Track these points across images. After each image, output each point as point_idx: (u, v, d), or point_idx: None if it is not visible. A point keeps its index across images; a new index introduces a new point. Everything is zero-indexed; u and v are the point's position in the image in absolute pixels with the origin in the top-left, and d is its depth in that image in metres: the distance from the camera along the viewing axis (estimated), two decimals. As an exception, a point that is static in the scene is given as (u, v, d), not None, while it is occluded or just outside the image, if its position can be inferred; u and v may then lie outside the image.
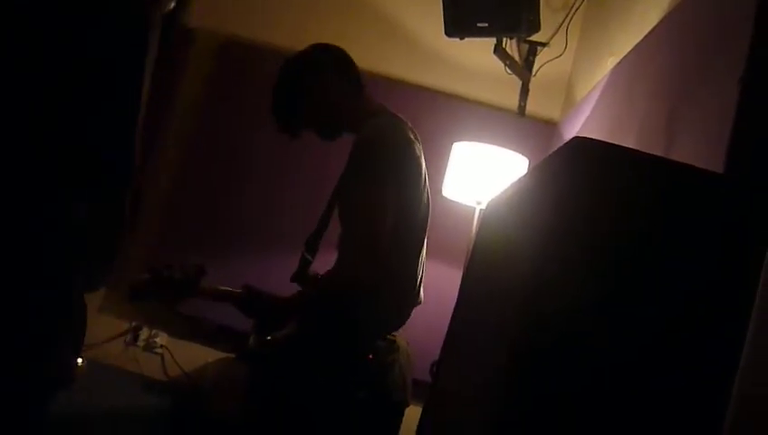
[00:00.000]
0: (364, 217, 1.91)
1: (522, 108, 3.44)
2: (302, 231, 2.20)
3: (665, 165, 1.17)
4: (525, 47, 3.45)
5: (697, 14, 1.83)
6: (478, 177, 2.82)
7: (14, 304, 1.35)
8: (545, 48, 3.42)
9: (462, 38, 2.96)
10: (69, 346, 1.54)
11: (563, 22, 3.38)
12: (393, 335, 2.02)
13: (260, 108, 2.20)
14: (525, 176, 1.50)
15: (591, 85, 2.86)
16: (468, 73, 3.52)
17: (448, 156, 2.95)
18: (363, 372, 1.93)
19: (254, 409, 2.10)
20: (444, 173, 2.93)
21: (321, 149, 2.28)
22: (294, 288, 2.08)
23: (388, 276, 1.93)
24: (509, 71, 3.29)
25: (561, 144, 1.21)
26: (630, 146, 1.87)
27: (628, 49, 2.37)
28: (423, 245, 2.10)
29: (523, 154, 2.89)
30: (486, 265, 1.49)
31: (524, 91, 3.43)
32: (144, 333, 3.41)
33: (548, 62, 3.41)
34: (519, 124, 3.40)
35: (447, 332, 1.61)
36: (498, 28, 2.90)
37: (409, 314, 2.09)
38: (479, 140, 2.91)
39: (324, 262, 2.03)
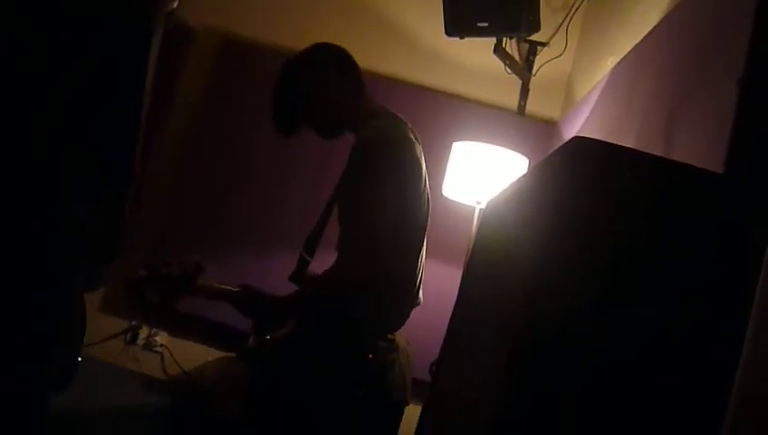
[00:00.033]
0: (364, 217, 1.91)
1: (522, 108, 3.44)
2: (301, 231, 2.20)
3: (664, 165, 1.18)
4: (525, 47, 3.45)
5: (697, 15, 1.83)
6: (478, 176, 2.82)
7: (14, 304, 1.35)
8: (545, 48, 3.42)
9: (462, 38, 2.96)
10: (69, 346, 1.54)
11: (563, 22, 3.39)
12: (393, 335, 2.02)
13: (260, 108, 2.20)
14: (525, 176, 1.50)
15: (591, 85, 2.86)
16: (468, 73, 3.53)
17: (448, 156, 2.95)
18: (363, 371, 1.93)
19: (253, 408, 2.10)
20: (444, 173, 2.93)
21: (322, 149, 2.28)
22: (293, 288, 2.08)
23: (387, 277, 1.93)
24: (509, 70, 3.29)
25: (560, 144, 1.21)
26: (630, 146, 1.87)
27: (628, 49, 2.37)
28: (423, 245, 2.10)
29: (522, 154, 2.89)
30: (486, 265, 1.49)
31: (524, 91, 3.43)
32: (144, 332, 3.41)
33: (548, 61, 3.41)
34: (519, 124, 3.40)
35: (447, 331, 1.61)
36: (498, 28, 2.91)
37: (409, 315, 2.09)
38: (479, 140, 2.91)
39: (323, 262, 2.03)
